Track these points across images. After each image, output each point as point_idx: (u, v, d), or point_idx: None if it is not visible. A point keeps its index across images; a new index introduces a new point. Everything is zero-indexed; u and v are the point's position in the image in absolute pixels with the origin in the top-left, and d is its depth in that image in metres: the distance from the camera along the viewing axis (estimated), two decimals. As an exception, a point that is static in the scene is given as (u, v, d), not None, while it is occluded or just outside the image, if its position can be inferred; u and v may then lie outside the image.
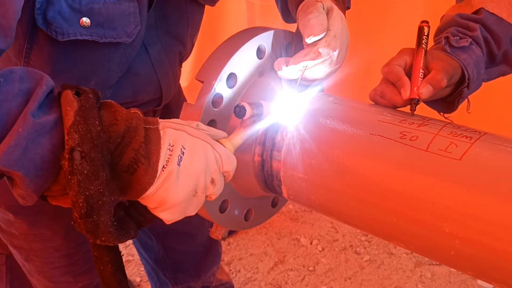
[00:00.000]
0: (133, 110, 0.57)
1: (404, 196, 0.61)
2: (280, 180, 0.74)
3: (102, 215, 0.51)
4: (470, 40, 0.77)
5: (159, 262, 1.32)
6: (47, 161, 0.50)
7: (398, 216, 0.62)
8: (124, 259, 1.82)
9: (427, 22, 0.79)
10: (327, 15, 0.73)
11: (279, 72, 0.75)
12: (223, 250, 2.05)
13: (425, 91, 0.71)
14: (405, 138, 0.63)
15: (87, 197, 0.50)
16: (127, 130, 0.54)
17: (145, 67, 0.88)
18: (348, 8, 0.87)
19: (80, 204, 0.50)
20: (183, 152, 0.56)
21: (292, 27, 0.84)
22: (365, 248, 2.08)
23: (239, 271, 1.97)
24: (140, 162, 0.53)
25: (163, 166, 0.55)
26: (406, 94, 0.72)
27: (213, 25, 2.04)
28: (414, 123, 0.66)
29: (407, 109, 0.73)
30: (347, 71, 0.83)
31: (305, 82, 0.77)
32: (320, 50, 0.71)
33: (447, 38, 0.77)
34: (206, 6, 0.98)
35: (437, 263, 1.92)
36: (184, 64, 1.04)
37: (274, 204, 0.90)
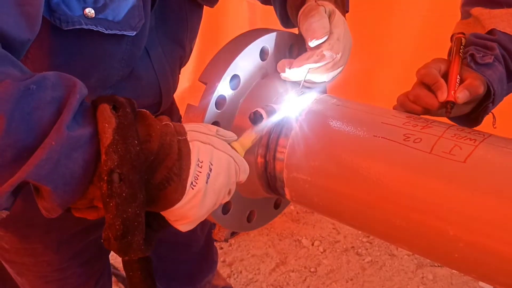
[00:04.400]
0: (164, 121, 0.55)
1: (408, 199, 0.60)
2: (283, 182, 0.74)
3: (136, 235, 0.50)
4: (493, 57, 0.79)
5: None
6: (77, 176, 0.48)
7: (401, 218, 0.61)
8: (117, 265, 1.82)
9: (463, 33, 0.82)
10: (329, 18, 0.73)
11: (282, 74, 0.75)
12: (225, 251, 2.05)
13: (462, 95, 0.73)
14: (408, 140, 0.63)
15: (124, 219, 0.49)
16: (161, 147, 0.52)
17: (147, 72, 0.88)
18: (347, 11, 0.88)
19: (117, 227, 0.48)
20: (211, 169, 0.55)
21: (294, 30, 0.84)
22: (366, 249, 2.08)
23: (241, 272, 1.97)
24: (172, 180, 0.52)
25: (192, 183, 0.53)
26: (443, 96, 0.74)
27: (215, 27, 2.04)
28: (417, 125, 0.65)
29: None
30: (349, 73, 0.83)
31: (308, 84, 0.77)
32: (323, 52, 0.71)
33: (472, 55, 0.79)
34: (205, 8, 0.98)
35: (439, 264, 1.91)
36: (186, 65, 1.04)
37: (276, 206, 0.90)
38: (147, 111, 0.55)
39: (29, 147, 0.45)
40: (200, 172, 0.54)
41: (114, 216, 0.48)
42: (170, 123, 0.55)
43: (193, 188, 0.54)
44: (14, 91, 0.45)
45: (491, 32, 0.84)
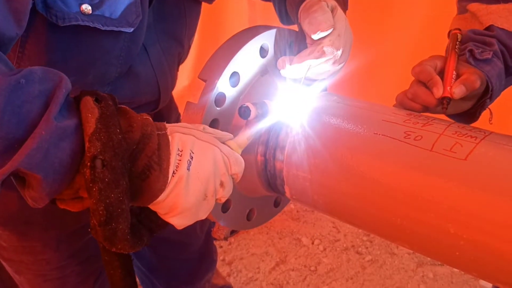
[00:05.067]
0: (144, 116, 0.57)
1: (409, 197, 0.60)
2: (283, 180, 0.74)
3: (120, 223, 0.51)
4: (492, 52, 0.79)
5: (152, 270, 1.32)
6: (65, 165, 0.50)
7: (402, 216, 0.61)
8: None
9: (459, 29, 0.82)
10: (331, 13, 0.73)
11: (282, 71, 0.75)
12: (224, 250, 2.05)
13: (459, 90, 0.73)
14: (409, 138, 0.62)
15: (107, 205, 0.50)
16: (142, 137, 0.54)
17: (145, 68, 0.87)
18: (346, 9, 0.87)
19: (100, 212, 0.50)
20: (192, 157, 0.56)
21: (293, 27, 0.84)
22: (367, 248, 2.07)
23: (241, 271, 1.97)
24: (153, 169, 0.53)
25: (173, 171, 0.55)
26: (439, 92, 0.73)
27: (215, 24, 2.04)
28: (418, 122, 0.65)
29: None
30: (350, 70, 0.83)
31: (309, 81, 0.76)
32: (324, 48, 0.70)
33: (470, 51, 0.79)
34: (203, 5, 0.98)
35: (440, 263, 1.91)
36: (185, 63, 1.04)
37: (276, 204, 0.90)
38: (127, 107, 0.57)
39: (19, 138, 0.47)
40: (180, 160, 0.55)
41: (97, 201, 0.50)
42: (150, 118, 0.57)
43: (174, 176, 0.55)
44: (5, 85, 0.46)
45: (489, 28, 0.83)
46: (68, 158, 0.49)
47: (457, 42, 0.80)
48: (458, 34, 0.81)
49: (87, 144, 0.50)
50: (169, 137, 0.56)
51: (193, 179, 0.56)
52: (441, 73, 0.77)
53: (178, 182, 0.55)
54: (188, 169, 0.55)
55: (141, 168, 0.53)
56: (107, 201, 0.50)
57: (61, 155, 0.49)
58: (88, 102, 0.52)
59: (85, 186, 0.50)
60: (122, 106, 0.57)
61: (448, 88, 0.73)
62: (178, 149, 0.55)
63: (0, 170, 0.46)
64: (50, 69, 0.51)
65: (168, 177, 0.54)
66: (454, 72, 0.75)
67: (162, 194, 0.54)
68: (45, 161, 0.47)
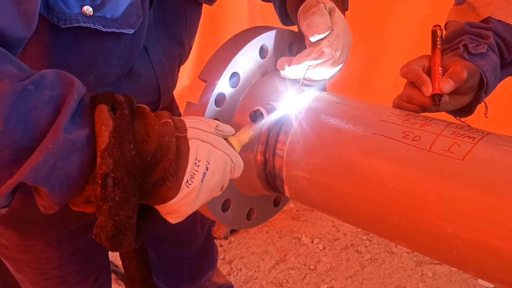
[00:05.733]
0: (163, 118, 0.55)
1: (407, 196, 0.61)
2: (283, 179, 0.74)
3: (127, 235, 0.51)
4: (486, 46, 0.78)
5: (153, 268, 1.32)
6: (73, 178, 0.48)
7: (400, 216, 0.62)
8: (116, 263, 1.83)
9: (439, 26, 0.82)
10: (329, 15, 0.74)
11: (281, 72, 0.75)
12: (225, 249, 2.06)
13: (447, 85, 0.73)
14: (407, 138, 0.63)
15: (116, 222, 0.49)
16: (158, 148, 0.52)
17: (146, 70, 0.88)
18: (346, 9, 0.88)
19: (109, 228, 0.49)
20: (207, 168, 0.55)
21: (293, 27, 0.84)
22: (366, 247, 2.08)
23: (241, 269, 1.97)
24: (168, 180, 0.52)
25: (187, 181, 0.54)
26: (428, 90, 0.73)
27: (215, 25, 2.04)
28: (416, 123, 0.66)
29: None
30: (349, 70, 0.83)
31: (308, 82, 0.77)
32: (323, 49, 0.71)
33: (465, 45, 0.79)
34: (204, 6, 0.98)
35: (438, 262, 1.92)
36: (185, 63, 1.04)
37: (276, 203, 0.90)
38: (147, 108, 0.55)
39: (27, 147, 0.45)
40: (197, 171, 0.55)
41: (106, 219, 0.49)
42: (170, 121, 0.55)
43: (188, 187, 0.54)
44: (11, 92, 0.45)
45: (485, 20, 0.83)
46: (77, 171, 0.48)
47: (438, 38, 0.80)
48: (438, 30, 0.81)
49: (98, 160, 0.48)
50: (189, 142, 0.55)
51: (204, 190, 0.56)
52: (430, 72, 0.77)
53: (191, 193, 0.54)
54: (202, 181, 0.55)
55: (156, 179, 0.52)
56: (117, 218, 0.49)
57: (69, 168, 0.47)
58: (103, 112, 0.50)
59: (95, 203, 0.49)
60: (141, 107, 0.55)
61: (437, 84, 0.74)
62: (196, 158, 0.55)
63: (7, 182, 0.45)
64: (63, 73, 0.50)
65: (181, 186, 0.53)
66: (441, 68, 0.75)
67: (172, 201, 0.54)
68: (51, 175, 0.46)
